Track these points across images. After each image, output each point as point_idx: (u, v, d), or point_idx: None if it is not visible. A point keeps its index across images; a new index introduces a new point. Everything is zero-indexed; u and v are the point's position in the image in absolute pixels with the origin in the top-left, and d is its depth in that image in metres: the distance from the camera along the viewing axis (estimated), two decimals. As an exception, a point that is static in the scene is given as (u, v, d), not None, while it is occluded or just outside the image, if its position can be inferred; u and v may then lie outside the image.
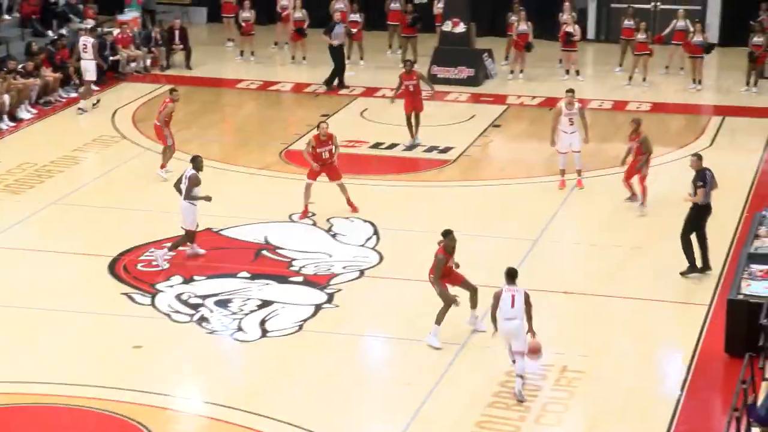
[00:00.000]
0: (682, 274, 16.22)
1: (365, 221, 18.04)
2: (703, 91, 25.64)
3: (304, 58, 27.91)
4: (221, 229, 17.78)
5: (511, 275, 13.30)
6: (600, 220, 18.32)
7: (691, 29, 25.71)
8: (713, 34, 28.55)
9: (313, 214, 18.34)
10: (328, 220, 18.17)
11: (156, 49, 27.57)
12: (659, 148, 21.71)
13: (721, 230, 17.37)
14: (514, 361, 13.21)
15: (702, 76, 25.69)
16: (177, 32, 27.65)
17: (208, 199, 16.66)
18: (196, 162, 16.74)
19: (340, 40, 25.64)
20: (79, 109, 24.00)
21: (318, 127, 18.23)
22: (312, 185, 18.21)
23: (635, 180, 18.50)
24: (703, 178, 16.23)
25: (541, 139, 21.84)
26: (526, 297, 13.15)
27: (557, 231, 17.79)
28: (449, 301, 14.28)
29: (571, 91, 19.40)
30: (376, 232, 17.73)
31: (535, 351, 13.13)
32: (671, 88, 26.01)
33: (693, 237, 16.16)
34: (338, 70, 25.66)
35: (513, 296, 13.13)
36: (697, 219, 16.21)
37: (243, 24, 28.08)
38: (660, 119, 23.89)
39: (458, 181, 20.29)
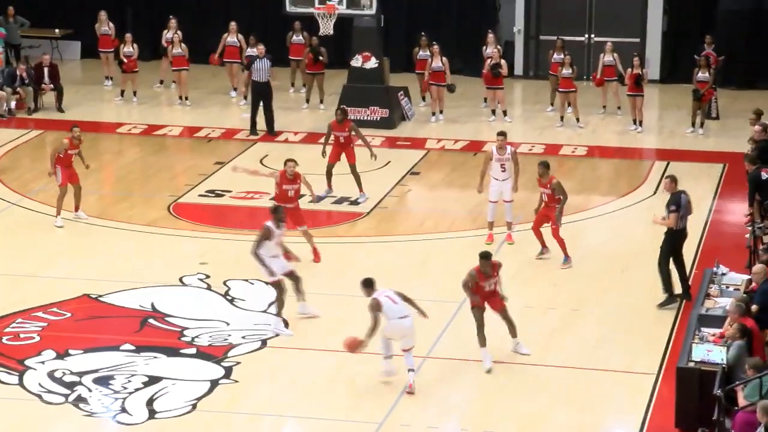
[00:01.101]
0: (661, 305, 17.11)
1: (267, 283, 17.99)
2: (645, 132, 26.13)
3: (186, 98, 27.84)
4: (101, 296, 17.58)
5: (369, 284, 15.08)
6: (533, 278, 18.49)
7: (618, 65, 26.27)
8: (654, 70, 29.18)
9: (207, 276, 18.26)
10: (224, 282, 18.08)
11: (22, 89, 27.33)
12: (597, 198, 22.12)
13: (668, 288, 17.68)
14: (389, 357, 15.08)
15: (643, 117, 26.18)
16: (46, 69, 27.46)
17: (270, 273, 16.49)
18: (276, 213, 16.81)
19: (262, 76, 25.52)
20: None
21: (285, 164, 18.69)
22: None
23: (547, 232, 18.81)
24: (677, 202, 17.00)
25: (465, 188, 22.04)
26: (399, 293, 15.00)
27: (485, 292, 17.87)
28: (479, 323, 15.45)
29: (502, 133, 19.66)
30: (279, 296, 17.67)
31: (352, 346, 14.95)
32: (609, 130, 26.46)
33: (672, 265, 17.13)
34: (266, 109, 25.51)
35: (389, 297, 14.90)
36: (673, 245, 17.09)
37: (125, 60, 27.97)
38: (597, 164, 24.29)
39: (372, 236, 20.37)
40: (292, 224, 18.55)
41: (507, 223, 19.68)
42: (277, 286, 16.66)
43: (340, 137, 21.51)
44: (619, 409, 14.90)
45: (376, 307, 14.89)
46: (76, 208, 20.55)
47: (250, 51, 27.45)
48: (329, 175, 21.57)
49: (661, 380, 15.27)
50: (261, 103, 25.51)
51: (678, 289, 17.37)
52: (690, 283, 17.54)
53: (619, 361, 15.86)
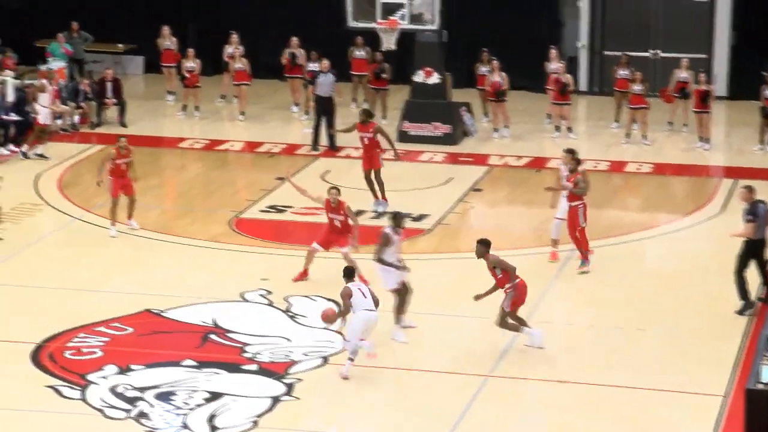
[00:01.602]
0: (738, 312, 17.40)
1: (329, 300, 18.01)
2: (712, 150, 25.91)
3: (242, 113, 28.01)
4: (162, 311, 17.69)
5: (349, 274, 15.92)
6: (597, 297, 18.39)
7: (691, 83, 26.13)
8: (721, 86, 28.93)
9: (269, 292, 18.31)
10: (285, 298, 18.13)
11: (85, 104, 27.58)
12: (662, 216, 21.96)
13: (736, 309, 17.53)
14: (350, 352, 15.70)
15: (710, 134, 25.98)
16: (109, 84, 27.70)
17: (402, 268, 16.95)
18: (396, 219, 17.16)
19: (325, 91, 25.66)
20: (37, 155, 24.96)
21: (328, 192, 18.82)
22: (315, 252, 18.70)
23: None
24: (754, 212, 17.21)
25: (529, 205, 21.99)
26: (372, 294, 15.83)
27: (548, 310, 17.83)
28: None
29: (569, 151, 19.50)
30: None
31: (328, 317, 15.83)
32: (675, 147, 26.28)
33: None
34: (328, 125, 25.65)
35: (361, 290, 15.67)
36: (751, 254, 17.51)
37: (187, 75, 28.17)
38: (663, 182, 24.11)
39: (434, 253, 20.34)
40: (339, 246, 18.56)
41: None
42: (397, 292, 16.90)
43: (364, 138, 21.67)
44: (685, 430, 14.75)
45: (347, 296, 15.62)
46: (129, 216, 20.78)
47: (312, 66, 27.59)
48: (370, 183, 21.58)
49: (730, 402, 15.11)
50: (324, 119, 25.60)
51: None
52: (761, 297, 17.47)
53: (685, 382, 15.71)
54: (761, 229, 17.33)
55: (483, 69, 27.32)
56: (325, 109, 25.57)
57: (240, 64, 28.07)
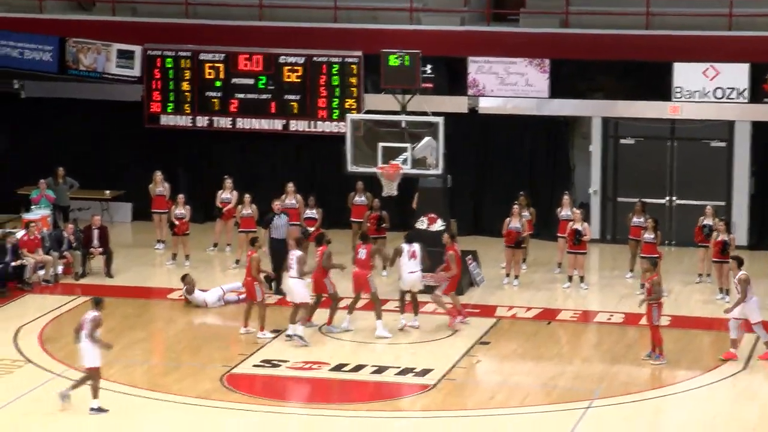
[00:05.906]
0: None
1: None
2: (732, 302, 25.95)
3: (237, 262, 28.27)
4: (148, 473, 17.63)
5: (410, 239, 23.16)
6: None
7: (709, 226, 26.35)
8: (741, 235, 29.07)
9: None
10: (280, 460, 18.06)
11: (69, 254, 27.71)
12: (681, 372, 21.91)
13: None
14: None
15: (730, 285, 26.10)
16: (96, 232, 27.87)
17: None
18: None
19: (280, 233, 26.30)
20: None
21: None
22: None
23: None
24: None
25: (538, 360, 22.01)
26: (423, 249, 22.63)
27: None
28: None
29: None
30: (339, 476, 17.66)
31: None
32: (693, 299, 26.35)
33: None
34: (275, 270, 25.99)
35: (413, 251, 22.78)
36: None
37: (176, 222, 28.40)
38: (681, 336, 24.07)
39: (439, 410, 20.29)
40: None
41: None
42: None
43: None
44: None
45: (396, 252, 23.26)
46: (261, 328, 23.58)
47: (309, 213, 27.91)
48: None
49: None
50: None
51: None
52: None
53: None
54: None
55: (525, 214, 27.40)
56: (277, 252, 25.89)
57: (249, 210, 28.22)
